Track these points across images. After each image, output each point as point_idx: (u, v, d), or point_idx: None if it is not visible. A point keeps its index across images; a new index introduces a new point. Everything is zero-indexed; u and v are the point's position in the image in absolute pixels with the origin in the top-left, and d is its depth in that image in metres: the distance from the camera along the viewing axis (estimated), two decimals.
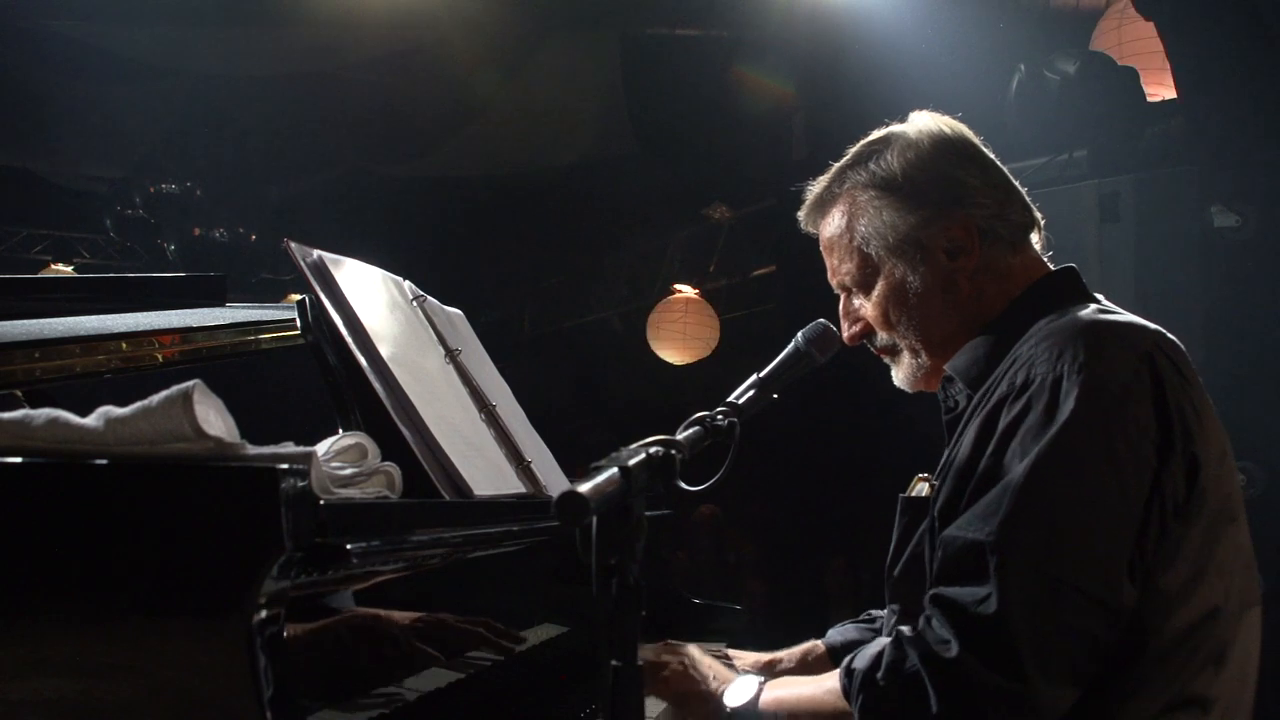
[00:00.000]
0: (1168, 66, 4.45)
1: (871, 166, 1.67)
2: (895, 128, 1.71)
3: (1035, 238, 1.69)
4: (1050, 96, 4.56)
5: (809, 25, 5.93)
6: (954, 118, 1.73)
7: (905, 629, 1.40)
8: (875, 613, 2.00)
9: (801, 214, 1.79)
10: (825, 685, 1.53)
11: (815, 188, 1.76)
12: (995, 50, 4.94)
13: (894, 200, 1.63)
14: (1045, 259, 1.69)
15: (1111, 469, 1.34)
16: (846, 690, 1.44)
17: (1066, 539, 1.33)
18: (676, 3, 6.47)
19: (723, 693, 1.64)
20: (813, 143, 6.81)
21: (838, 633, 1.98)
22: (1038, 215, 1.69)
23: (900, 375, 1.74)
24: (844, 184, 1.71)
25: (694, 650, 1.76)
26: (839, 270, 1.72)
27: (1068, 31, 5.05)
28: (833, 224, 1.72)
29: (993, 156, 1.70)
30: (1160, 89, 4.68)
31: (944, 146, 1.66)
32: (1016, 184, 1.69)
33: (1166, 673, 1.36)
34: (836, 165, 1.74)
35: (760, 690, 1.60)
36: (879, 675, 1.38)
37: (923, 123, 1.70)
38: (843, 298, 1.76)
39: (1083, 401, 1.35)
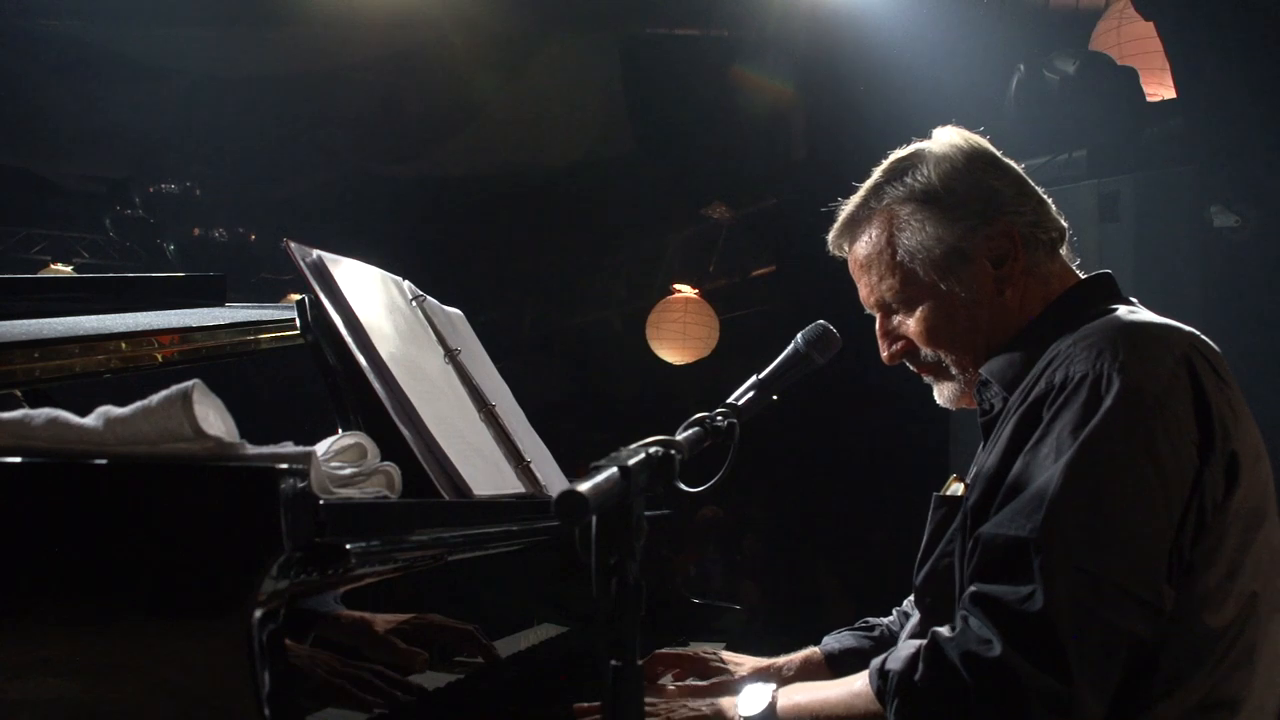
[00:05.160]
0: (1167, 66, 4.46)
1: (909, 180, 1.65)
2: (922, 144, 1.70)
3: (1065, 249, 1.69)
4: (1050, 96, 4.57)
5: (808, 25, 5.93)
6: (955, 124, 1.72)
7: (942, 630, 1.38)
8: (872, 620, 1.99)
9: (831, 235, 1.76)
10: (853, 688, 1.48)
11: (847, 207, 1.73)
12: (995, 50, 4.94)
13: (936, 212, 1.62)
14: (1075, 267, 1.70)
15: (1154, 467, 1.34)
16: (881, 693, 1.41)
17: (1110, 537, 1.32)
18: (676, 3, 6.47)
19: (732, 706, 1.57)
20: (811, 142, 6.81)
21: (834, 640, 1.96)
22: (1065, 224, 1.69)
23: (945, 393, 1.72)
24: (882, 200, 1.68)
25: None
26: (878, 288, 1.69)
27: (1067, 31, 5.06)
28: (869, 242, 1.69)
29: (1020, 169, 1.69)
30: (1160, 89, 4.69)
31: (975, 158, 1.65)
32: (1045, 195, 1.69)
33: (1201, 671, 1.36)
34: (869, 183, 1.72)
35: (775, 699, 1.55)
36: (917, 677, 1.36)
37: (949, 137, 1.69)
38: (879, 317, 1.73)
39: (1122, 400, 1.35)
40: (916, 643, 1.41)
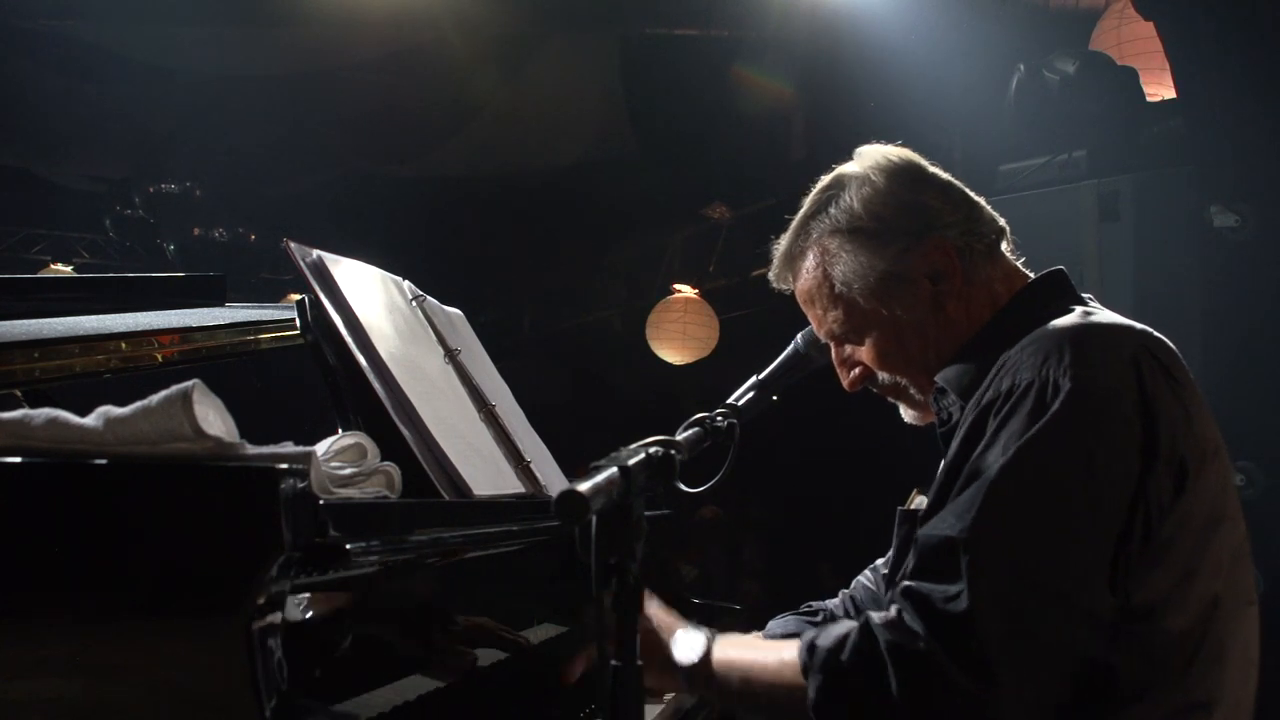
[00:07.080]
0: (1168, 66, 4.45)
1: (832, 212, 1.65)
2: (844, 168, 1.69)
3: (1006, 246, 1.67)
4: (1050, 96, 4.56)
5: (808, 25, 5.94)
6: (898, 144, 1.70)
7: (875, 615, 1.37)
8: (816, 604, 1.99)
9: (771, 273, 1.76)
10: (783, 656, 1.46)
11: (780, 244, 1.73)
12: (995, 50, 4.94)
13: (864, 241, 1.61)
14: (1020, 264, 1.68)
15: (1087, 474, 1.33)
16: (806, 666, 1.40)
17: (1041, 542, 1.31)
18: (676, 3, 6.47)
19: (669, 644, 1.55)
20: (811, 143, 6.82)
21: (778, 625, 1.96)
22: (1003, 223, 1.68)
23: (910, 413, 1.73)
24: (809, 235, 1.68)
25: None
26: (825, 320, 1.69)
27: (1067, 31, 5.06)
28: (807, 276, 1.69)
29: (947, 175, 1.68)
30: (1160, 89, 4.68)
31: (897, 175, 1.64)
32: (975, 196, 1.68)
33: (1169, 676, 1.35)
34: (797, 217, 1.71)
35: (710, 647, 1.53)
36: (843, 656, 1.36)
37: (870, 157, 1.68)
38: (834, 347, 1.73)
39: (1067, 406, 1.34)
40: (849, 623, 1.41)
